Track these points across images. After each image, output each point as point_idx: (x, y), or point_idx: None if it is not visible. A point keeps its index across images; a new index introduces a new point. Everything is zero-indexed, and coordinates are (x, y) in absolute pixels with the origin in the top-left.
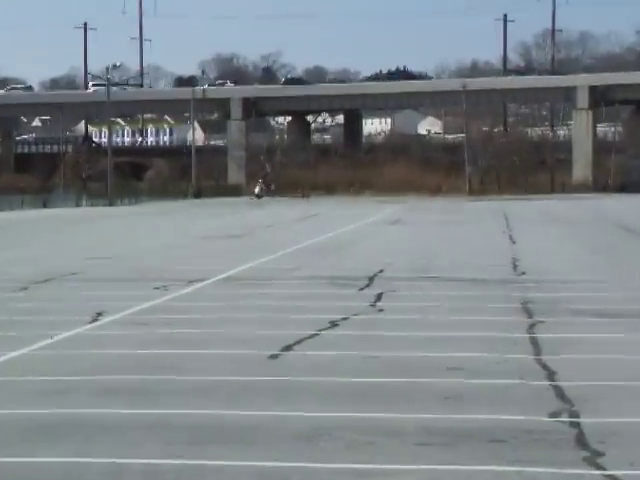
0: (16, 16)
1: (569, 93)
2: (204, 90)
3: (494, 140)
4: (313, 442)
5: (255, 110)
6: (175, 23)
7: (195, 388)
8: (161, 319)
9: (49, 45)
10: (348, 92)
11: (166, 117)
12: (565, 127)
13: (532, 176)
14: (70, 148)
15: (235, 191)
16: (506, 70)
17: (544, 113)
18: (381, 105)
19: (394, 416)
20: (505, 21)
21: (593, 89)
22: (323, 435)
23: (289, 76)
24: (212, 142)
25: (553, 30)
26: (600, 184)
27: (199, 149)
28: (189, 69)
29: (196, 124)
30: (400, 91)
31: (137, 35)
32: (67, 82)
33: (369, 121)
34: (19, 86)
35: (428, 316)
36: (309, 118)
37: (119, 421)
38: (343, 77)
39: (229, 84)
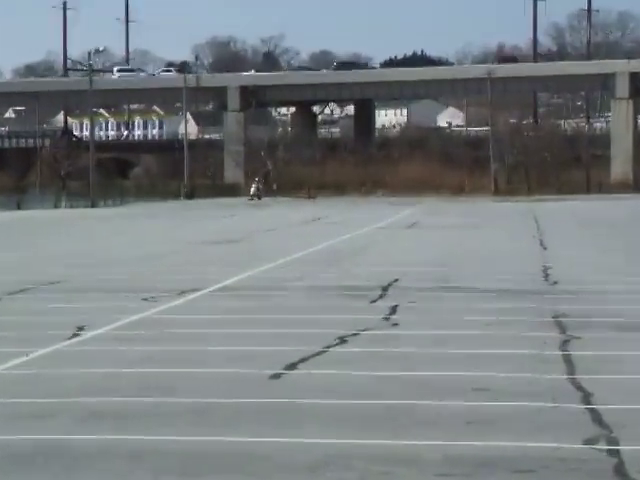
0: None
1: (607, 81)
2: (198, 77)
3: (523, 134)
4: (320, 473)
5: (255, 100)
6: (165, 2)
7: (188, 411)
8: (150, 334)
9: (23, 27)
10: (359, 80)
11: (155, 108)
12: (602, 119)
13: (565, 174)
14: (47, 142)
15: (232, 191)
16: (536, 55)
17: (579, 103)
18: (396, 94)
19: (411, 443)
20: (535, 0)
21: (634, 76)
22: (331, 465)
23: (292, 62)
24: (207, 136)
25: (589, 10)
26: None
27: (192, 144)
28: (181, 54)
29: (189, 116)
30: (417, 78)
31: (122, 16)
32: (44, 69)
33: (382, 112)
34: None
35: (449, 331)
36: (315, 109)
37: (103, 448)
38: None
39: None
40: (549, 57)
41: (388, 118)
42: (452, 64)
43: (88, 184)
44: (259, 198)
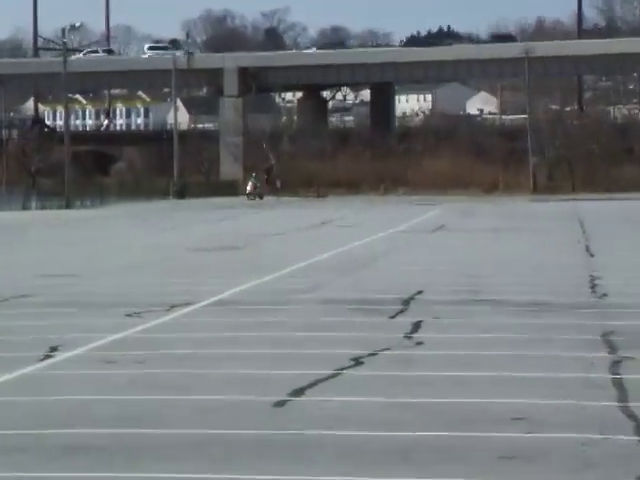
0: None
1: None
2: (189, 58)
3: (566, 122)
4: None
5: (255, 84)
6: None
7: (179, 444)
8: (134, 355)
9: None
10: (376, 60)
11: (140, 93)
12: None
13: (616, 169)
14: (15, 134)
15: (230, 189)
16: (581, 31)
17: (631, 87)
18: (419, 77)
19: None
20: None
21: None
22: None
23: (299, 40)
24: (200, 125)
25: None
26: None
27: (183, 135)
28: (170, 31)
29: (179, 102)
30: (443, 58)
31: None
32: (11, 48)
33: (403, 98)
34: None
35: (480, 351)
36: (325, 94)
37: None
38: (369, 41)
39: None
40: (596, 33)
41: (410, 105)
42: (484, 42)
43: (62, 182)
44: (260, 197)
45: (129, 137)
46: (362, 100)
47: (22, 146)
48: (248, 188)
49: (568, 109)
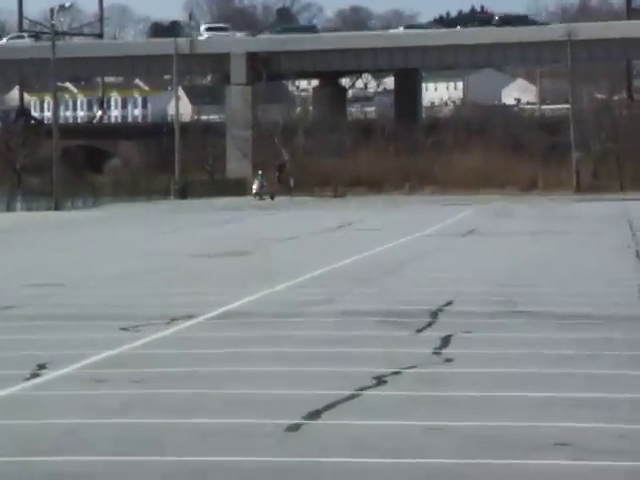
0: None
1: None
2: (192, 41)
3: (613, 113)
4: None
5: (266, 71)
6: None
7: (180, 473)
8: (129, 374)
9: None
10: (400, 44)
11: (137, 82)
12: None
13: None
14: None
15: (237, 188)
16: (631, 11)
17: None
18: (449, 62)
19: None
20: None
21: None
22: None
23: (315, 21)
24: (204, 117)
25: None
26: None
27: (185, 127)
28: (170, 12)
29: (181, 91)
30: (476, 42)
31: None
32: None
33: (431, 86)
34: None
35: (516, 369)
36: (344, 82)
37: None
38: (393, 22)
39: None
40: None
41: (439, 94)
42: (522, 23)
43: (51, 180)
44: (271, 197)
45: (125, 130)
46: (385, 88)
47: (6, 140)
48: (254, 187)
49: (616, 98)
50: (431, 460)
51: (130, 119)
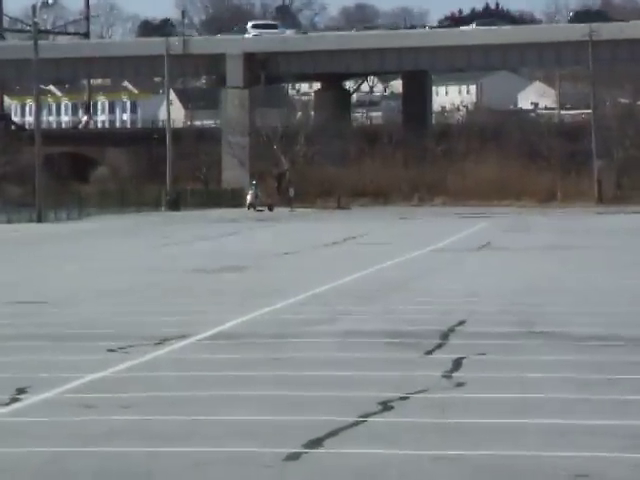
0: None
1: None
2: (185, 42)
3: (638, 119)
4: None
5: (264, 73)
6: None
7: None
8: (117, 399)
9: None
10: (409, 44)
11: (126, 84)
12: None
13: None
14: None
15: (233, 199)
16: None
17: None
18: (461, 64)
19: None
20: None
21: None
22: None
23: (317, 20)
24: (198, 122)
25: None
26: None
27: (177, 133)
28: (161, 9)
29: (172, 94)
30: (490, 42)
31: None
32: None
33: (442, 90)
34: None
35: (533, 394)
36: (348, 85)
37: None
38: (401, 21)
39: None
40: None
41: (450, 98)
42: (540, 22)
43: (33, 190)
44: (270, 209)
45: (112, 137)
46: (392, 92)
47: None
48: (248, 198)
49: None
50: None
51: (118, 124)
